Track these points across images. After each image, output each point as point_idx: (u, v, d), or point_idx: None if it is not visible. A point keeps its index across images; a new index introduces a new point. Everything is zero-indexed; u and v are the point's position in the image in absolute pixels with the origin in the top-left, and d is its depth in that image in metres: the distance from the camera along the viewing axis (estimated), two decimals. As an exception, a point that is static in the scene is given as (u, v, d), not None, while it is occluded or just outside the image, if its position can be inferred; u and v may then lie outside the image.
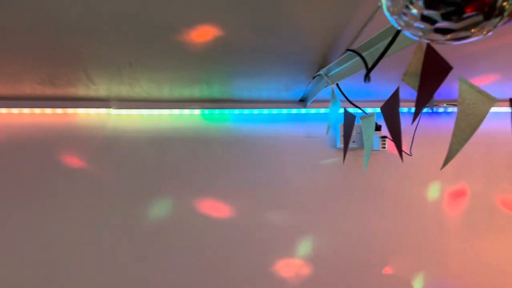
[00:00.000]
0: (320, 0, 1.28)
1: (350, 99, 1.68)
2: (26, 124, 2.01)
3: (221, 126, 2.12)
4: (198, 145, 2.10)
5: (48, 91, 1.86)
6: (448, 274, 2.20)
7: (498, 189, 2.20)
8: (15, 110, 1.98)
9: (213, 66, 1.69)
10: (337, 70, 1.61)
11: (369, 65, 1.29)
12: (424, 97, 0.97)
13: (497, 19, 0.60)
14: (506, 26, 0.64)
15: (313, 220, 2.16)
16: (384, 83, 1.89)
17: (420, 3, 0.60)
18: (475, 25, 0.61)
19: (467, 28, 0.61)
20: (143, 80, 1.78)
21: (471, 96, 0.82)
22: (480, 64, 1.71)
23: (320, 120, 2.18)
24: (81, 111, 1.98)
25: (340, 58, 1.48)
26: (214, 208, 2.09)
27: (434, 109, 2.18)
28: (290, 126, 2.17)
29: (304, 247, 2.15)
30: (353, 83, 1.76)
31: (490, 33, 0.64)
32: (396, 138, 1.09)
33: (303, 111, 2.15)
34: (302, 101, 2.14)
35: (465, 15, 0.59)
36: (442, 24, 0.60)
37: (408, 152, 2.11)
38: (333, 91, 1.65)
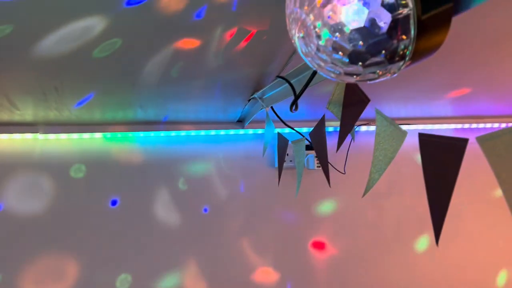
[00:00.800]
0: (251, 28, 1.31)
1: (285, 119, 1.71)
2: None
3: (156, 148, 2.07)
4: (133, 168, 2.04)
5: (-34, 116, 1.73)
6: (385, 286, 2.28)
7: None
8: None
9: (146, 90, 1.66)
10: (270, 93, 1.64)
11: (297, 92, 1.33)
12: (346, 127, 1.01)
13: (401, 63, 0.64)
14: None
15: (251, 239, 2.16)
16: (318, 102, 1.95)
17: (329, 49, 0.62)
18: (380, 68, 0.64)
19: (373, 72, 0.64)
20: (71, 104, 1.71)
21: (386, 129, 0.85)
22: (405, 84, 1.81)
23: (258, 140, 2.20)
24: (4, 136, 1.86)
25: (272, 83, 1.51)
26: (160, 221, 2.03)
27: (368, 127, 2.27)
28: (229, 147, 2.16)
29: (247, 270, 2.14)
30: (288, 103, 1.80)
31: (395, 74, 0.68)
32: (324, 165, 1.11)
33: (241, 131, 2.16)
34: (240, 122, 2.15)
35: (369, 61, 0.61)
36: (349, 68, 0.63)
37: (342, 171, 2.17)
38: (267, 114, 1.67)
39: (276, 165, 2.18)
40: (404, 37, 0.59)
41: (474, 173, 2.09)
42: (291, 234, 2.19)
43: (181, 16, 1.14)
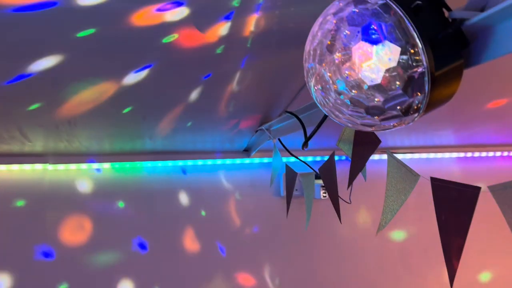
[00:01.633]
0: (260, 66, 1.35)
1: (293, 147, 1.73)
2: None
3: (163, 178, 2.09)
4: (141, 198, 2.06)
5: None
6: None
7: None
8: None
9: (155, 122, 1.69)
10: (277, 126, 1.67)
11: (306, 125, 1.36)
12: (357, 166, 1.03)
13: (415, 115, 0.67)
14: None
15: (259, 269, 2.15)
16: (324, 132, 1.98)
17: (347, 103, 0.65)
18: (395, 120, 0.67)
19: (389, 124, 0.67)
20: (82, 136, 1.74)
21: (398, 171, 0.87)
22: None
23: (264, 168, 2.22)
24: (15, 167, 1.89)
25: (281, 117, 1.54)
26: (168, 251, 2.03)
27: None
28: (234, 176, 2.18)
29: (251, 297, 2.13)
30: (295, 133, 1.84)
31: (410, 124, 0.71)
32: (334, 201, 1.13)
33: (247, 161, 2.18)
34: (246, 151, 2.17)
35: (385, 115, 0.64)
36: (366, 121, 0.66)
37: (347, 200, 2.19)
38: (274, 146, 1.70)
39: (282, 194, 2.20)
40: (419, 93, 0.62)
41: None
42: (297, 262, 2.19)
43: (199, 53, 1.18)
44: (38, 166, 1.91)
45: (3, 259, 1.88)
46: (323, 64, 0.65)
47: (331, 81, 0.65)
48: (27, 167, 1.90)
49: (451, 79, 0.65)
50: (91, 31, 1.01)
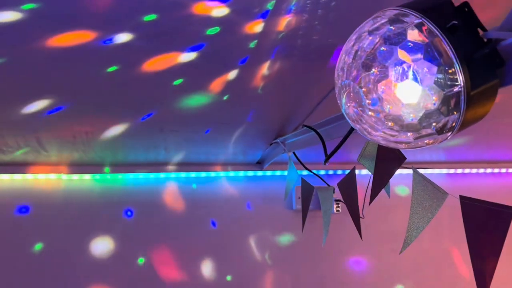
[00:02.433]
0: (278, 79, 1.36)
1: (306, 161, 1.72)
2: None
3: (175, 189, 2.09)
4: (153, 209, 2.06)
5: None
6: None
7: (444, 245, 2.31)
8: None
9: (172, 134, 1.70)
10: (293, 139, 1.66)
11: (324, 140, 1.35)
12: (380, 182, 1.02)
13: (449, 134, 0.66)
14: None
15: (272, 283, 2.14)
16: (347, 147, 1.98)
17: (382, 120, 0.65)
18: (429, 138, 0.67)
19: (422, 141, 0.67)
20: (98, 147, 1.74)
21: (424, 188, 0.87)
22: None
23: (276, 181, 2.21)
24: (29, 176, 1.89)
25: (297, 131, 1.54)
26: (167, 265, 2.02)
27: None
28: (247, 188, 2.18)
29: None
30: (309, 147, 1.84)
31: (443, 142, 0.70)
32: (354, 218, 1.12)
33: (260, 173, 2.18)
34: (259, 164, 2.17)
35: (420, 133, 0.64)
36: (399, 139, 0.66)
37: (361, 215, 2.17)
38: (290, 159, 1.70)
39: (294, 207, 2.19)
40: (455, 112, 0.62)
41: None
42: (307, 274, 2.18)
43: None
44: (52, 176, 1.91)
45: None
46: (358, 81, 0.65)
47: (366, 98, 0.65)
48: (41, 176, 1.90)
49: (486, 99, 0.65)
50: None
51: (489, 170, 2.37)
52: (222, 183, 2.15)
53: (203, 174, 2.10)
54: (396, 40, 0.62)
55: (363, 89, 0.65)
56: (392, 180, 1.12)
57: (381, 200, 1.87)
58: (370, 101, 0.65)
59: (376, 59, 0.63)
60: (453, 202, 0.99)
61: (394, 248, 2.28)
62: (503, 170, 2.39)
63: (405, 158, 0.95)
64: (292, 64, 1.25)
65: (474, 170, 2.37)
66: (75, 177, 1.93)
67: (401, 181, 2.16)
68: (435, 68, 0.61)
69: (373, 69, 0.63)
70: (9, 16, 0.90)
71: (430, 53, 0.61)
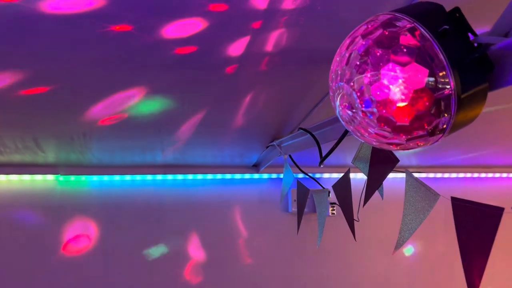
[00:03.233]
0: (274, 83, 1.37)
1: (301, 164, 1.74)
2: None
3: (172, 191, 2.10)
4: (149, 211, 2.06)
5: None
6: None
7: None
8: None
9: (168, 136, 1.71)
10: (289, 142, 1.68)
11: (320, 142, 1.37)
12: (374, 184, 1.04)
13: (440, 135, 0.68)
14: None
15: (267, 286, 2.14)
16: (340, 150, 1.99)
17: (374, 122, 0.66)
18: (421, 140, 0.68)
19: (414, 142, 0.69)
20: (95, 148, 1.75)
21: (416, 190, 0.88)
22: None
23: (272, 184, 2.23)
24: (26, 177, 1.90)
25: (293, 134, 1.56)
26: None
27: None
28: (243, 190, 2.19)
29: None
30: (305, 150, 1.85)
31: (434, 144, 0.72)
32: (349, 220, 1.14)
33: (256, 176, 2.19)
34: (255, 166, 2.18)
35: (412, 134, 0.66)
36: (392, 140, 0.67)
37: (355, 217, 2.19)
38: (286, 162, 1.71)
39: (290, 210, 2.20)
40: (445, 114, 0.64)
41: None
42: (304, 276, 2.18)
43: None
44: (49, 177, 1.92)
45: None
46: (352, 84, 0.67)
47: (359, 100, 0.67)
48: (38, 177, 1.91)
49: (476, 102, 0.67)
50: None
51: (483, 175, 2.40)
52: (219, 186, 2.16)
53: (199, 176, 2.11)
54: (389, 44, 0.64)
55: (357, 92, 0.67)
56: (385, 183, 1.14)
57: (376, 203, 1.89)
58: (363, 104, 0.67)
59: (369, 63, 0.64)
60: (448, 206, 1.01)
61: (388, 250, 2.29)
62: (497, 175, 2.41)
63: (398, 160, 0.97)
64: (288, 67, 1.27)
65: (468, 175, 2.39)
66: (72, 178, 1.94)
67: (395, 184, 2.17)
68: (426, 72, 0.63)
69: (366, 72, 0.65)
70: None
71: (422, 57, 0.63)
